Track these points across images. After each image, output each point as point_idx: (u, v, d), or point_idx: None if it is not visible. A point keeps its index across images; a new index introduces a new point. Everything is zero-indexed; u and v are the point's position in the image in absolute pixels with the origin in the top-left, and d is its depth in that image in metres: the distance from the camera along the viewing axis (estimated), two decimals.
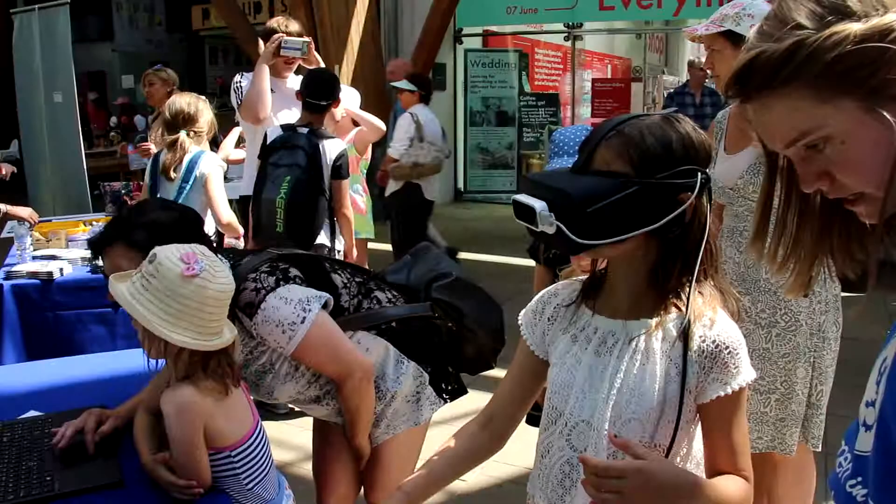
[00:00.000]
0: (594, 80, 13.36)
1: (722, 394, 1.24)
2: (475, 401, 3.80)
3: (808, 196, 0.90)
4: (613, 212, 1.18)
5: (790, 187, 0.92)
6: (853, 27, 0.77)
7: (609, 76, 15.83)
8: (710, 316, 1.26)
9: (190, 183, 3.50)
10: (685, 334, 1.24)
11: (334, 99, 3.81)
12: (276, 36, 4.18)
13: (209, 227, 3.53)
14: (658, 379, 1.25)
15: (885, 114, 0.78)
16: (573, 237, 1.18)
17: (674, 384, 1.25)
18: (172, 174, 3.49)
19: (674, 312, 1.27)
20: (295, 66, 4.38)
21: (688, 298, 1.24)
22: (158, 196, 3.44)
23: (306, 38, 4.24)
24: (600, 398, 1.28)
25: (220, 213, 3.52)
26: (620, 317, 1.31)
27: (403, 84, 5.71)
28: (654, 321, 1.27)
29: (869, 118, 0.79)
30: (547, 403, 1.38)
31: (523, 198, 1.23)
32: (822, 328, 2.30)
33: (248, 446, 1.67)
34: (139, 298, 1.51)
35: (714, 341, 1.25)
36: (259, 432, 1.73)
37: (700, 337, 1.25)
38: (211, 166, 3.55)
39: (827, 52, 0.78)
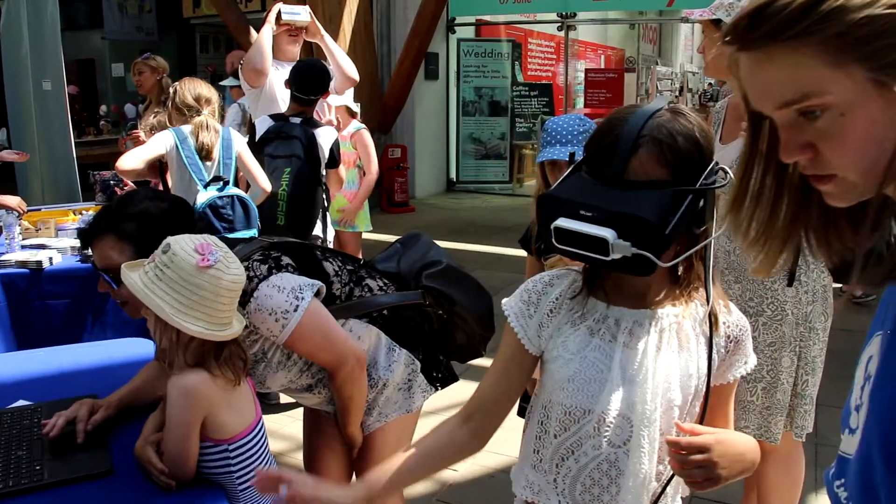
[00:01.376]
0: (587, 71, 13.36)
1: (742, 372, 1.34)
2: (466, 389, 3.81)
3: (787, 170, 0.84)
4: (681, 225, 1.18)
5: (769, 160, 0.85)
6: None
7: (602, 66, 15.84)
8: (724, 302, 1.32)
9: (233, 159, 3.55)
10: (710, 320, 1.28)
11: (324, 92, 3.81)
12: (274, 6, 4.21)
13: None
14: (696, 364, 1.29)
15: (892, 89, 0.71)
16: (657, 261, 1.15)
17: (703, 369, 1.29)
18: (214, 154, 3.50)
19: (694, 300, 1.31)
20: (299, 43, 4.37)
21: (706, 286, 1.27)
22: (210, 177, 3.46)
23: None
24: (640, 390, 1.26)
25: (263, 185, 3.56)
26: (644, 306, 1.29)
27: (229, 82, 6.28)
28: (681, 309, 1.30)
29: (876, 93, 0.72)
30: (563, 402, 1.33)
31: (580, 226, 1.16)
32: (809, 318, 2.30)
33: (247, 442, 1.66)
34: (153, 288, 1.51)
35: (737, 325, 1.33)
36: (260, 429, 1.72)
37: (724, 323, 1.31)
38: (241, 142, 3.61)
39: (855, 10, 0.70)
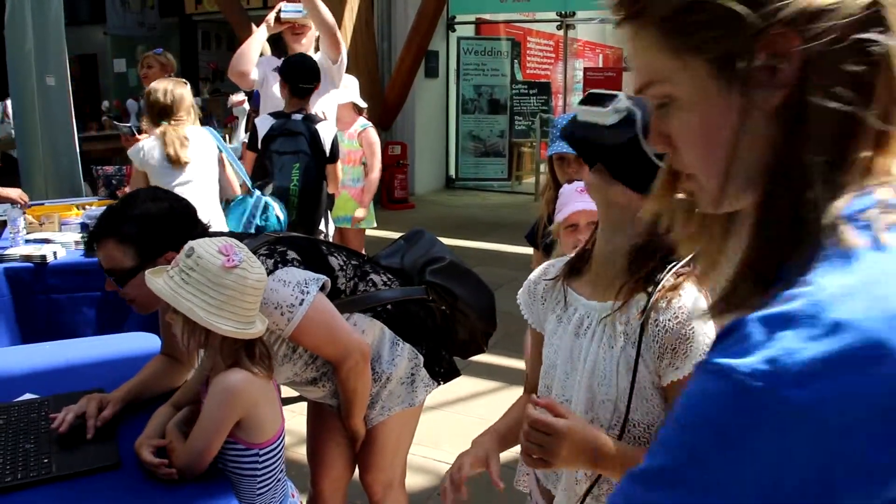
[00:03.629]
0: (586, 69, 13.34)
1: (674, 378, 1.25)
2: (470, 385, 3.83)
3: None
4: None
5: None
6: None
7: (601, 65, 15.83)
8: (668, 298, 1.25)
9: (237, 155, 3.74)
10: (644, 317, 1.25)
11: (317, 81, 3.85)
12: (278, 5, 4.21)
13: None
14: (621, 362, 1.27)
15: (729, 92, 0.64)
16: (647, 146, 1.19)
17: (641, 367, 1.27)
18: (185, 159, 3.52)
19: (643, 293, 1.28)
20: (305, 37, 4.33)
21: (656, 284, 1.25)
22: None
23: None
24: (576, 379, 1.32)
25: (236, 188, 3.73)
26: (597, 298, 1.33)
27: None
28: (618, 304, 1.28)
29: (714, 90, 0.65)
30: (540, 381, 1.42)
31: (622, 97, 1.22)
32: None
33: (274, 448, 1.69)
34: (180, 292, 1.54)
35: (664, 327, 1.25)
36: (283, 436, 1.75)
37: (653, 321, 1.25)
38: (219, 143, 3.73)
39: None
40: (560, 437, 1.16)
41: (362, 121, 4.82)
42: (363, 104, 4.81)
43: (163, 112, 3.56)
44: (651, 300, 1.24)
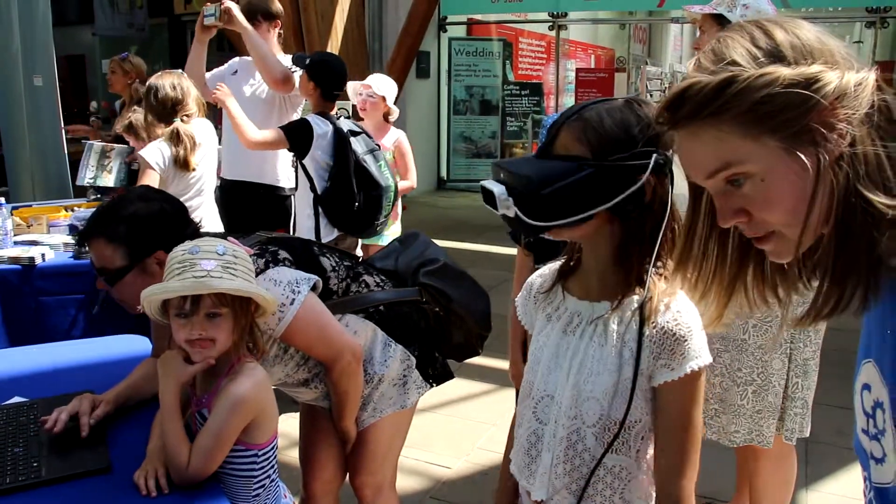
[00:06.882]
0: (578, 70, 13.39)
1: (668, 379, 1.26)
2: (462, 387, 3.83)
3: (729, 234, 0.94)
4: (569, 194, 1.20)
5: (712, 226, 0.95)
6: (783, 71, 0.80)
7: (593, 66, 15.89)
8: (665, 301, 1.27)
9: None
10: (641, 318, 1.26)
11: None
12: (201, 12, 3.99)
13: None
14: (612, 361, 1.29)
15: (802, 157, 0.81)
16: (526, 219, 1.20)
17: (628, 367, 1.27)
18: (193, 165, 3.43)
19: (635, 295, 1.29)
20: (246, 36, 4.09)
21: (646, 282, 1.26)
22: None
23: (222, 4, 3.87)
24: (562, 375, 1.33)
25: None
26: (588, 298, 1.35)
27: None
28: (612, 304, 1.30)
29: (789, 159, 0.81)
30: (525, 376, 1.44)
31: (486, 182, 1.25)
32: None
33: (272, 448, 1.68)
34: (237, 283, 1.55)
35: (662, 328, 1.26)
36: (277, 437, 1.74)
37: (652, 323, 1.27)
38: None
39: (756, 90, 0.81)
40: None
41: (394, 130, 4.61)
42: (396, 110, 4.69)
43: (174, 106, 3.44)
44: (646, 301, 1.26)
